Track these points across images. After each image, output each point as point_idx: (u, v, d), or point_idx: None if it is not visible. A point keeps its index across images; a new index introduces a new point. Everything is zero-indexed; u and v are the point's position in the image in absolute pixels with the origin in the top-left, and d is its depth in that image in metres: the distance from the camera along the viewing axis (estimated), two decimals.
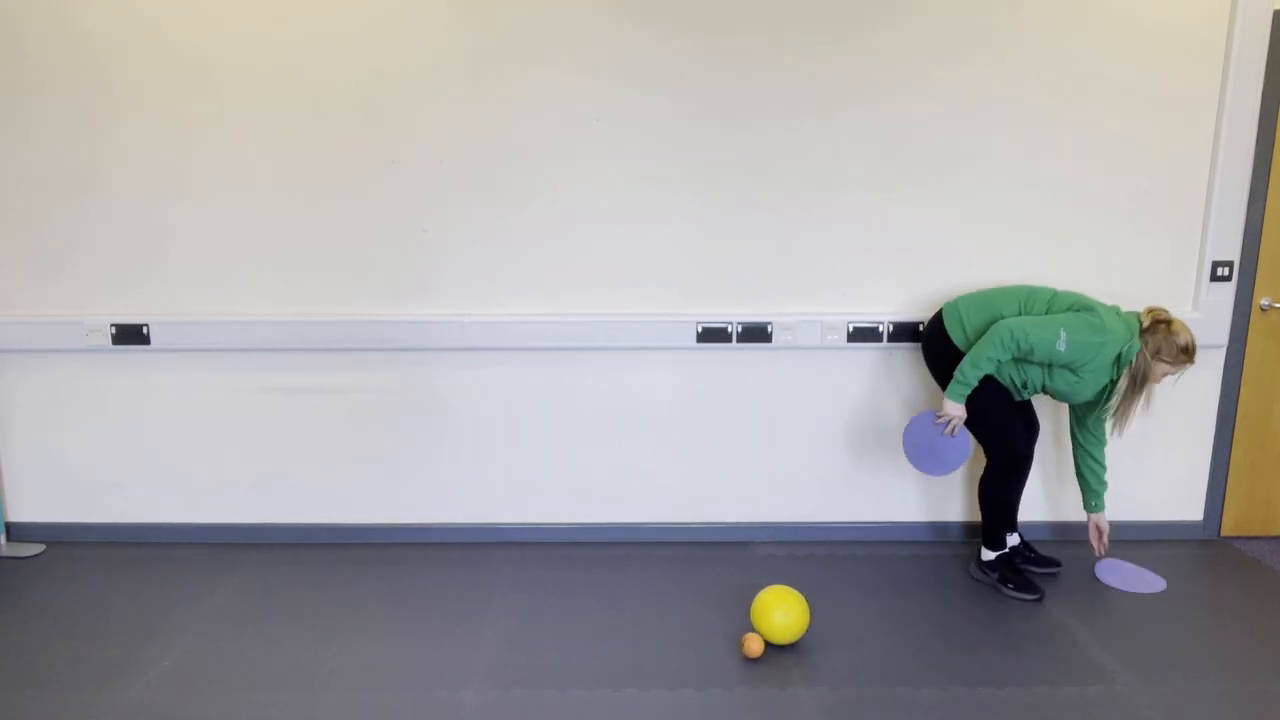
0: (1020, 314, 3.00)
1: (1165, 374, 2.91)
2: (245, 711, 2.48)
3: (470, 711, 2.48)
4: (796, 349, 3.43)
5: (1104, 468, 3.20)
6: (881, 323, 3.39)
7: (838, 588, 3.20)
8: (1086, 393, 2.95)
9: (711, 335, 3.39)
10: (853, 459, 3.54)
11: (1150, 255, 3.40)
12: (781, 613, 2.74)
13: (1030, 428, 3.27)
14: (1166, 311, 2.91)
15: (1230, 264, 3.38)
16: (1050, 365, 2.94)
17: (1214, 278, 3.39)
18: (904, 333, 3.39)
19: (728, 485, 3.56)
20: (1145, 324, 2.90)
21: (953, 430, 2.98)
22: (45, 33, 3.19)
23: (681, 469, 3.55)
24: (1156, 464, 3.57)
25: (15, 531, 3.58)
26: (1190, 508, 3.62)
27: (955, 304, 3.12)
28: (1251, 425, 3.56)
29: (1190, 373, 3.48)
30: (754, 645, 2.72)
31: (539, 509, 3.58)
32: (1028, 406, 3.28)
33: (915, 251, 3.38)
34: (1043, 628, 2.92)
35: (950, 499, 3.58)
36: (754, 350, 3.44)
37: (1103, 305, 2.94)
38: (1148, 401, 2.92)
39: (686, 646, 2.81)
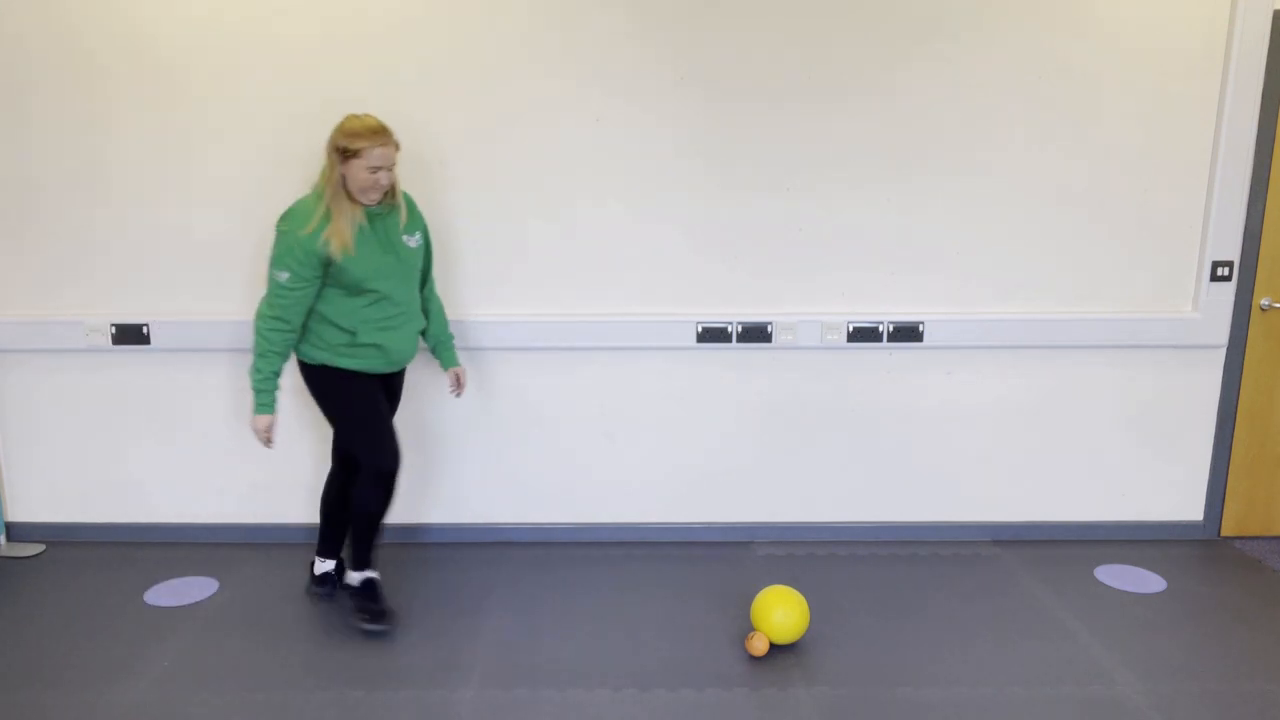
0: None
1: (364, 170, 2.64)
2: (245, 711, 2.48)
3: (470, 711, 2.48)
4: (796, 349, 3.43)
5: (440, 320, 3.09)
6: (881, 323, 3.40)
7: (838, 588, 3.20)
8: (356, 269, 2.70)
9: (711, 335, 3.39)
10: (853, 459, 3.54)
11: (1150, 255, 3.41)
12: (781, 612, 2.74)
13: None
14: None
15: (1230, 264, 3.38)
16: (326, 285, 2.73)
17: (1214, 278, 3.39)
18: (904, 333, 3.39)
19: (728, 485, 3.56)
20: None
21: (267, 443, 2.79)
22: (46, 38, 3.18)
23: (681, 469, 3.55)
24: (1156, 464, 3.57)
25: (15, 531, 3.58)
26: (1190, 508, 3.63)
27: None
28: (1251, 425, 3.56)
29: (1190, 373, 3.48)
30: (759, 644, 2.72)
31: (539, 509, 3.58)
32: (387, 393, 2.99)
33: (916, 252, 3.38)
34: (1043, 628, 2.92)
35: (952, 499, 3.58)
36: (754, 350, 3.44)
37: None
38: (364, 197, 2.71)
39: (686, 646, 2.81)
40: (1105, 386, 3.49)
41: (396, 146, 2.71)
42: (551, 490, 3.56)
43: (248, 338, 3.35)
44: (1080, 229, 3.37)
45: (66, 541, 3.57)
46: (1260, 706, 2.50)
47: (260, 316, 2.71)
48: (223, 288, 3.38)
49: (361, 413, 2.84)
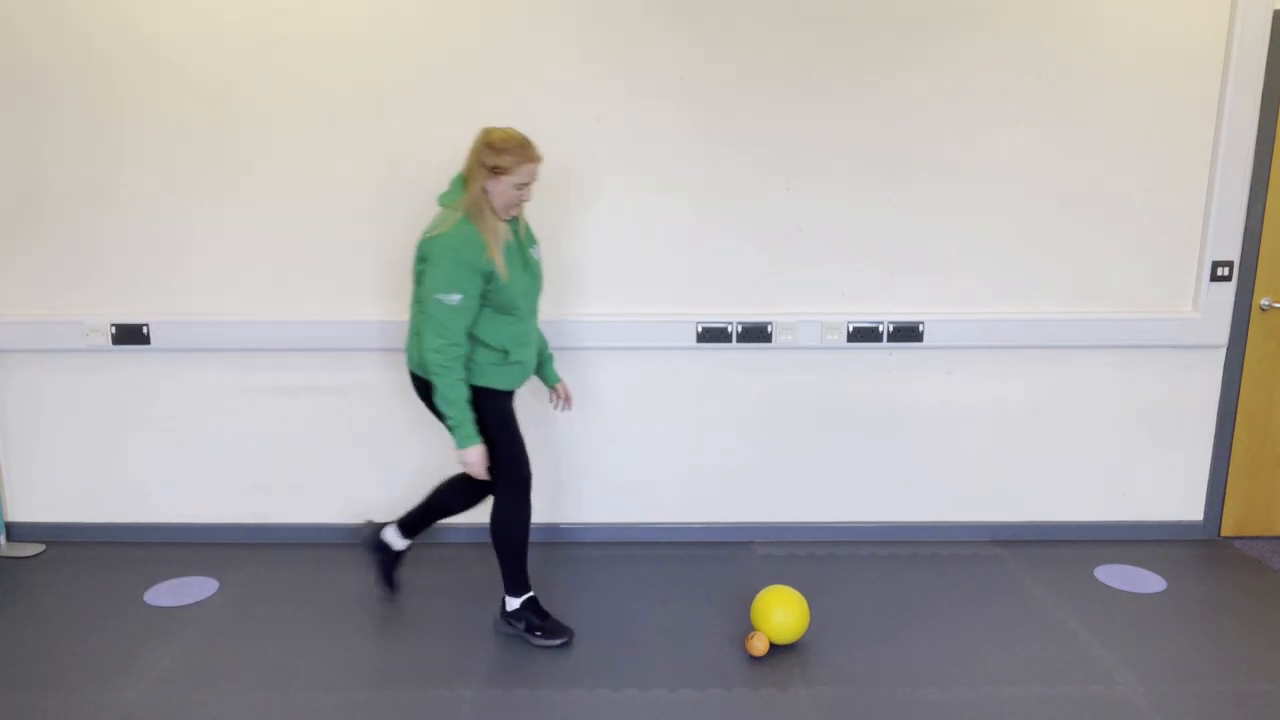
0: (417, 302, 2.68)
1: (511, 186, 2.56)
2: (245, 711, 2.48)
3: (470, 711, 2.48)
4: (796, 349, 3.43)
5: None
6: (881, 323, 3.40)
7: (838, 588, 3.20)
8: (509, 287, 2.62)
9: (711, 335, 3.39)
10: (853, 459, 3.54)
11: (1150, 255, 3.41)
12: (781, 613, 2.74)
13: None
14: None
15: (1230, 264, 3.38)
16: (482, 306, 2.63)
17: (1214, 278, 3.39)
18: (904, 333, 3.39)
19: (728, 485, 3.56)
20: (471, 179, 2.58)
21: (486, 473, 2.67)
22: (49, 40, 3.18)
23: (681, 469, 3.55)
24: (1156, 464, 3.57)
25: (15, 531, 3.58)
26: (1190, 508, 3.63)
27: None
28: (1251, 425, 3.56)
29: (1190, 373, 3.48)
30: (759, 644, 2.72)
31: (538, 509, 3.57)
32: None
33: (916, 252, 3.38)
34: (1043, 628, 2.92)
35: (952, 499, 3.58)
36: (754, 350, 3.44)
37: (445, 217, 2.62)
38: (507, 208, 2.61)
39: (686, 646, 2.81)
40: (1105, 386, 3.49)
41: (540, 159, 2.61)
42: (552, 490, 3.56)
43: (246, 338, 3.36)
44: (1080, 229, 3.37)
45: (66, 541, 3.57)
46: (1260, 706, 2.50)
47: (435, 350, 2.55)
48: (223, 288, 3.38)
49: (509, 430, 2.78)
